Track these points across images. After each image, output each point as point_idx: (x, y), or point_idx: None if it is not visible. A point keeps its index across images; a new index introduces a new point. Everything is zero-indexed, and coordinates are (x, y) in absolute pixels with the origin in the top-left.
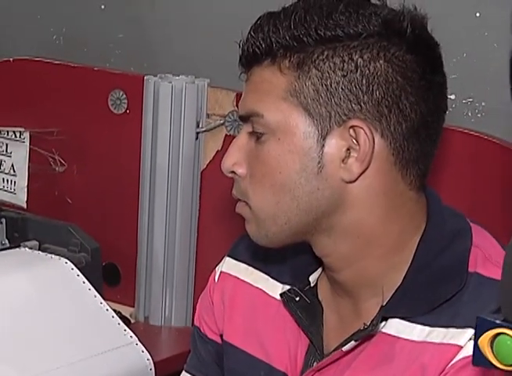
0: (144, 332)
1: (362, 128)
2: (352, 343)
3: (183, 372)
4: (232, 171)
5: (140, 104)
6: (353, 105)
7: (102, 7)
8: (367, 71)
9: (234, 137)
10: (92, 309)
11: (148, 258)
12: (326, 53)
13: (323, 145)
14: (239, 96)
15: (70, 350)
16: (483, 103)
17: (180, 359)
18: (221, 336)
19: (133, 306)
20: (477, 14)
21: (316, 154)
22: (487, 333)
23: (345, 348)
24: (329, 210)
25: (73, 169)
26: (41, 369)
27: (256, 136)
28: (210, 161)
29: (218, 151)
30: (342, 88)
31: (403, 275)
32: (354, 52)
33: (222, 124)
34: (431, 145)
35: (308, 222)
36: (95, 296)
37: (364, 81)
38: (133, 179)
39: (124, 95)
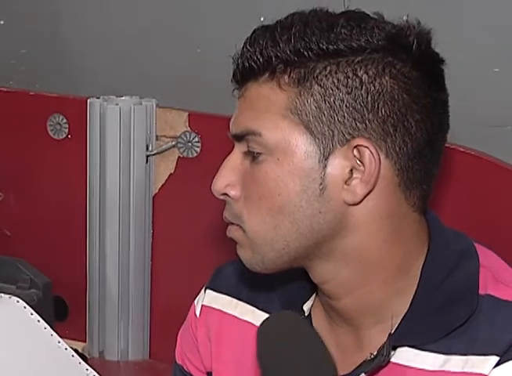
0: (101, 368)
1: (367, 147)
2: (362, 375)
3: None
4: (224, 193)
5: (83, 128)
6: (357, 123)
7: (1, 22)
8: (372, 88)
9: (188, 159)
10: (50, 349)
11: (100, 290)
12: (328, 69)
13: (325, 165)
14: (192, 117)
15: None
16: None
17: None
18: (210, 374)
19: (84, 341)
20: None
21: (318, 175)
22: None
23: None
24: (330, 234)
25: (10, 198)
26: None
27: (252, 156)
28: (163, 185)
29: (170, 174)
30: (346, 106)
31: (410, 300)
32: (358, 67)
33: (174, 146)
34: (435, 165)
35: (307, 247)
36: (52, 335)
37: (369, 99)
38: (79, 207)
39: (65, 120)
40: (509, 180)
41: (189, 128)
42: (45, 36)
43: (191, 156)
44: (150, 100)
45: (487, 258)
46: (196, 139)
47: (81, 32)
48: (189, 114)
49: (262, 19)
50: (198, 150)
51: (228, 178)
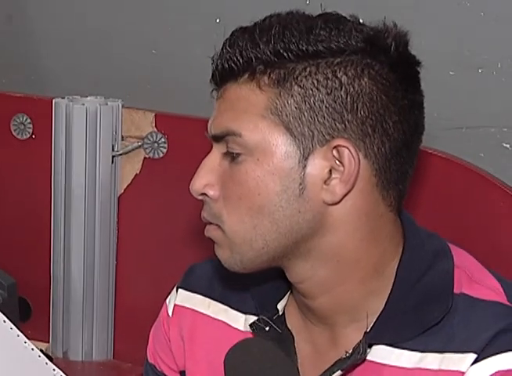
0: (66, 368)
1: (346, 147)
2: (339, 373)
3: None
4: (203, 193)
5: (48, 128)
6: (337, 124)
7: None
8: (351, 89)
9: (154, 160)
10: (17, 349)
11: (64, 290)
12: (308, 70)
13: (305, 165)
14: (158, 117)
15: None
16: None
17: None
18: (183, 373)
19: (47, 342)
20: None
21: (298, 175)
22: None
23: None
24: (309, 233)
25: None
26: None
27: (231, 156)
28: (128, 186)
29: (136, 175)
30: (326, 107)
31: (385, 299)
32: (338, 68)
33: (140, 146)
34: (410, 165)
35: (286, 246)
36: (18, 335)
37: (349, 99)
38: (44, 207)
39: (29, 120)
40: (473, 181)
41: (155, 129)
42: (5, 36)
43: (157, 156)
44: (116, 100)
45: (461, 258)
46: (163, 140)
47: (44, 33)
48: (155, 115)
49: (218, 20)
50: (164, 150)
51: (206, 179)
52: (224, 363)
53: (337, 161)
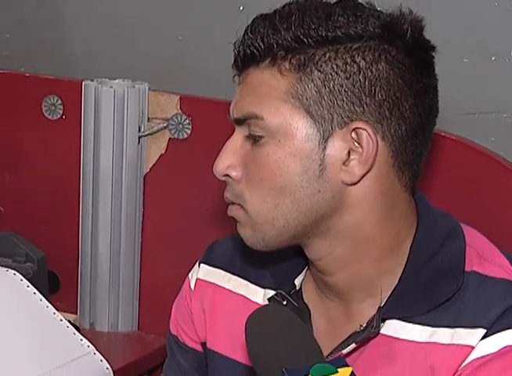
0: (92, 339)
1: (365, 129)
2: (353, 345)
3: None
4: (226, 175)
5: (77, 109)
6: (356, 107)
7: None
8: (369, 73)
9: (178, 140)
10: (46, 320)
11: (92, 264)
12: (328, 55)
13: (325, 147)
14: (183, 100)
15: (31, 366)
16: None
17: (136, 366)
18: (204, 344)
19: (75, 313)
20: None
21: (318, 157)
22: None
23: (345, 350)
24: (328, 212)
25: (4, 177)
26: None
27: (253, 139)
28: (154, 165)
29: (161, 155)
30: (345, 90)
31: (398, 276)
32: (356, 54)
33: (165, 127)
34: (425, 147)
35: (306, 225)
36: (47, 306)
37: (367, 83)
38: (72, 185)
39: (60, 101)
40: (485, 163)
41: (180, 111)
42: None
43: (181, 137)
44: (143, 83)
45: (472, 237)
46: (187, 121)
47: (74, 19)
48: (180, 97)
49: (241, 8)
50: (188, 131)
51: (229, 160)
52: (245, 327)
53: (356, 143)
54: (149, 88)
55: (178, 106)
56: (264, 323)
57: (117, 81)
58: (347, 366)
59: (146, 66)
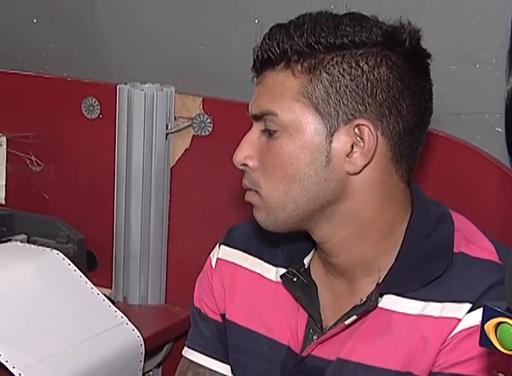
0: (125, 310)
1: (367, 126)
2: (354, 317)
3: (186, 349)
4: (244, 164)
5: (113, 109)
6: (359, 106)
7: (35, 21)
8: (372, 76)
9: (201, 137)
10: (86, 293)
11: (125, 245)
12: (335, 60)
13: (331, 141)
14: (205, 101)
15: (73, 333)
16: None
17: (163, 335)
18: (223, 316)
19: (110, 288)
20: None
21: (325, 149)
22: (492, 320)
23: (347, 321)
24: (332, 199)
25: (49, 168)
26: (52, 351)
27: (268, 133)
28: (179, 158)
29: (186, 149)
30: (350, 91)
31: (395, 256)
32: (360, 59)
33: (190, 125)
34: (420, 143)
35: (313, 210)
36: (86, 282)
37: (369, 85)
38: (108, 176)
39: (97, 102)
40: (472, 158)
41: (202, 111)
42: (78, 31)
43: (204, 134)
44: (170, 87)
45: (460, 222)
46: (209, 120)
47: (110, 28)
48: (202, 99)
49: (256, 21)
50: (210, 129)
51: (247, 151)
52: None
53: (358, 138)
54: (175, 91)
55: (201, 107)
56: None
57: (147, 84)
58: None
59: (172, 72)
